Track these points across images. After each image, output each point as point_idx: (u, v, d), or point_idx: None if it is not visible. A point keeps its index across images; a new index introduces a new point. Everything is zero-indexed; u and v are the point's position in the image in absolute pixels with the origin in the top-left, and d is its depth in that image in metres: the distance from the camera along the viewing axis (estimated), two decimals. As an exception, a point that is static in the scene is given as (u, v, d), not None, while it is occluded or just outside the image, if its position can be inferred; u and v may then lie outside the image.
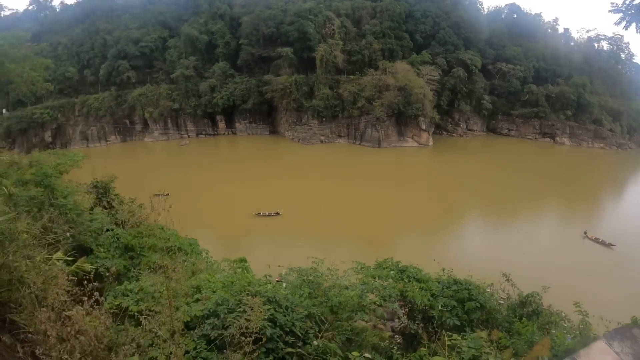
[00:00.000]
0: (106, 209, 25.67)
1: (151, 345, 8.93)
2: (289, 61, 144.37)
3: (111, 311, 10.30)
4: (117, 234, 22.13)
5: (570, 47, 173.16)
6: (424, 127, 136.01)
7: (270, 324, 10.68)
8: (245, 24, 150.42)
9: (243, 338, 9.34)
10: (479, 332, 11.44)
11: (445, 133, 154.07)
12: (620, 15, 12.23)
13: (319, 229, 69.68)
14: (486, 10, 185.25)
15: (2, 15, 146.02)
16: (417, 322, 18.39)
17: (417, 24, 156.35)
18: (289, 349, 10.75)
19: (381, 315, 18.16)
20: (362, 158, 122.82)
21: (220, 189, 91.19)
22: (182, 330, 9.61)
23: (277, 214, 75.24)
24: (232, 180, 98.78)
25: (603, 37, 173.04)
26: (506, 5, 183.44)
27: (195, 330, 10.48)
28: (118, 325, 9.28)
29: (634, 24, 12.13)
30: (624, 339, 6.70)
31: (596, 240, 66.49)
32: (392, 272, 20.04)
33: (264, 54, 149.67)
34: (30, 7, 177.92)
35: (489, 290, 21.20)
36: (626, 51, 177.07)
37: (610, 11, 12.67)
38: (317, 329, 12.40)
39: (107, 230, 22.76)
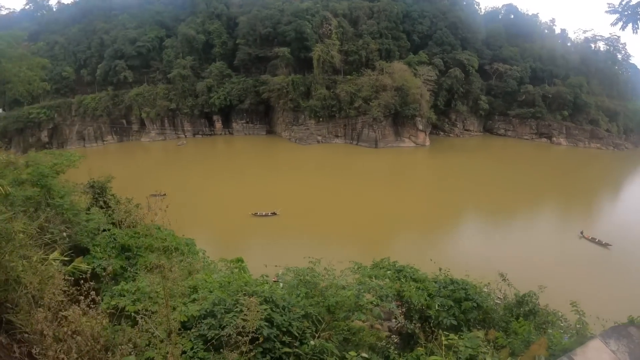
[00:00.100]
0: (103, 209, 25.60)
1: (148, 345, 8.93)
2: (286, 61, 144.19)
3: (108, 311, 10.30)
4: (114, 234, 22.13)
5: (567, 48, 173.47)
6: (420, 127, 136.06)
7: (267, 323, 10.69)
8: (242, 23, 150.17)
9: (240, 338, 9.35)
10: (476, 332, 11.47)
11: (442, 133, 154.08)
12: (617, 15, 12.24)
13: (315, 229, 69.66)
14: (483, 11, 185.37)
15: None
16: (414, 321, 18.46)
17: (414, 24, 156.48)
18: (286, 349, 10.76)
19: (378, 315, 18.14)
20: (359, 158, 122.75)
21: (217, 189, 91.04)
22: (179, 330, 9.61)
23: (273, 214, 75.22)
24: (229, 180, 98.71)
25: (600, 38, 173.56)
26: (503, 5, 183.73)
27: (192, 330, 10.47)
28: (115, 325, 9.29)
29: (630, 25, 12.15)
30: (620, 338, 6.73)
31: (592, 240, 66.65)
32: (389, 272, 20.11)
33: (261, 54, 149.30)
34: (27, 7, 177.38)
35: (485, 290, 21.30)
36: (623, 52, 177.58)
37: (607, 12, 12.70)
38: (314, 329, 12.41)
39: (104, 230, 22.78)
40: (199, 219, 70.86)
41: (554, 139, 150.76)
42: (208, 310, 11.48)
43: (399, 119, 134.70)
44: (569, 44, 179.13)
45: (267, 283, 18.35)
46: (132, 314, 10.49)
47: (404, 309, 19.18)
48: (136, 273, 17.52)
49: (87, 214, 23.83)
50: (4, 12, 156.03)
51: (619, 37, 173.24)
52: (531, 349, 9.38)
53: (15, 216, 10.70)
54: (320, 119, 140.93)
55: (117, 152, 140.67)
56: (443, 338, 10.47)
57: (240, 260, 28.24)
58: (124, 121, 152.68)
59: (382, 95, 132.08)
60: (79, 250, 19.18)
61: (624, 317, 9.67)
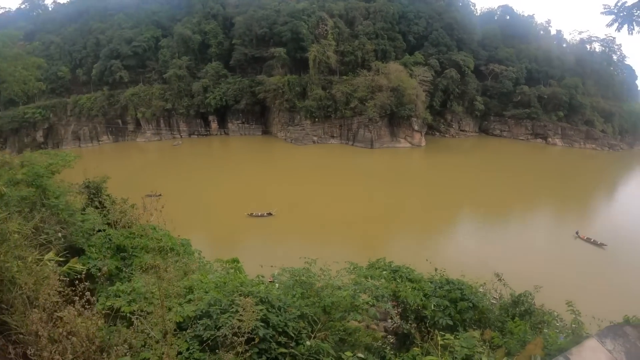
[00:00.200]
0: (98, 209, 25.53)
1: (143, 346, 8.91)
2: (281, 61, 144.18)
3: (103, 312, 10.25)
4: (109, 235, 22.08)
5: (563, 49, 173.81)
6: (416, 127, 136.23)
7: (262, 324, 10.67)
8: (238, 24, 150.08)
9: (236, 338, 9.33)
10: (472, 332, 11.50)
11: (437, 134, 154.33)
12: (613, 17, 12.31)
13: (311, 230, 69.66)
14: (479, 12, 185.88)
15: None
16: (409, 322, 18.47)
17: (410, 25, 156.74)
18: (282, 349, 10.75)
19: (374, 316, 18.20)
20: (354, 158, 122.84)
21: (213, 189, 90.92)
22: (175, 330, 9.59)
23: (269, 214, 75.14)
24: (225, 180, 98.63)
25: (595, 39, 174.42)
26: (499, 6, 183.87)
27: (188, 331, 10.46)
28: (110, 326, 9.25)
29: (626, 26, 12.20)
30: (616, 337, 6.74)
31: (588, 240, 66.82)
32: (384, 272, 20.13)
33: (257, 54, 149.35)
34: (23, 6, 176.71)
35: (481, 290, 21.32)
36: (618, 53, 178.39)
37: (602, 13, 12.77)
38: (309, 329, 12.40)
39: (99, 230, 22.72)
40: (194, 220, 70.71)
41: (550, 139, 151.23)
42: (204, 311, 11.47)
43: (395, 119, 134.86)
44: (564, 45, 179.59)
45: (262, 283, 18.38)
46: (128, 314, 10.47)
47: (399, 309, 19.18)
48: (131, 273, 17.49)
49: (82, 214, 23.77)
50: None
51: (614, 38, 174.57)
52: (527, 349, 9.39)
53: (10, 216, 10.64)
54: (316, 120, 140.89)
55: (112, 152, 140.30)
56: (439, 338, 10.49)
57: (236, 260, 28.26)
58: (120, 121, 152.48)
59: (378, 96, 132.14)
60: (74, 251, 19.13)
61: (619, 317, 9.71)
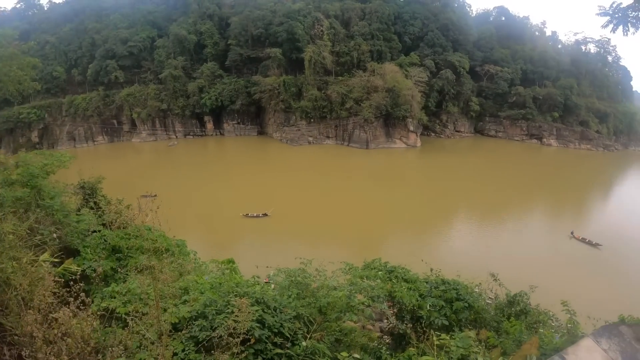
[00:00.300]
0: (93, 210, 25.43)
1: (139, 347, 8.89)
2: (277, 62, 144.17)
3: (98, 313, 10.22)
4: (104, 235, 21.99)
5: (558, 50, 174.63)
6: (411, 128, 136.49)
7: (258, 325, 10.67)
8: (234, 24, 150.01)
9: (231, 339, 9.32)
10: (468, 332, 11.49)
11: (433, 134, 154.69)
12: (608, 18, 12.36)
13: (307, 230, 69.60)
14: (474, 13, 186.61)
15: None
16: (405, 322, 18.47)
17: (405, 26, 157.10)
18: (278, 350, 10.74)
19: (370, 316, 18.19)
20: (350, 159, 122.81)
21: (208, 190, 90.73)
22: (170, 331, 9.57)
23: (265, 215, 75.05)
24: (220, 181, 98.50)
25: (590, 40, 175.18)
26: (494, 8, 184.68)
27: (183, 332, 10.43)
28: (105, 327, 9.24)
29: (620, 27, 12.25)
30: (611, 337, 6.76)
31: (583, 240, 67.04)
32: (380, 272, 20.12)
33: (253, 55, 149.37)
34: (18, 5, 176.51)
35: (477, 290, 21.35)
36: (613, 54, 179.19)
37: (597, 14, 12.82)
38: (305, 330, 12.40)
39: (94, 231, 22.62)
40: (190, 220, 70.62)
41: (545, 140, 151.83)
42: (199, 312, 11.44)
43: (390, 120, 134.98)
44: (559, 46, 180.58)
45: (258, 284, 18.36)
46: (123, 315, 10.44)
47: (395, 310, 19.17)
48: (127, 274, 17.43)
49: (77, 215, 23.66)
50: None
51: (609, 39, 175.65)
52: (523, 349, 9.39)
53: (4, 217, 10.61)
54: (312, 120, 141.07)
55: (107, 152, 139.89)
56: (435, 338, 10.49)
57: (231, 261, 28.21)
58: (115, 121, 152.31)
59: (374, 97, 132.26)
60: (69, 252, 19.05)
61: (614, 316, 9.74)
